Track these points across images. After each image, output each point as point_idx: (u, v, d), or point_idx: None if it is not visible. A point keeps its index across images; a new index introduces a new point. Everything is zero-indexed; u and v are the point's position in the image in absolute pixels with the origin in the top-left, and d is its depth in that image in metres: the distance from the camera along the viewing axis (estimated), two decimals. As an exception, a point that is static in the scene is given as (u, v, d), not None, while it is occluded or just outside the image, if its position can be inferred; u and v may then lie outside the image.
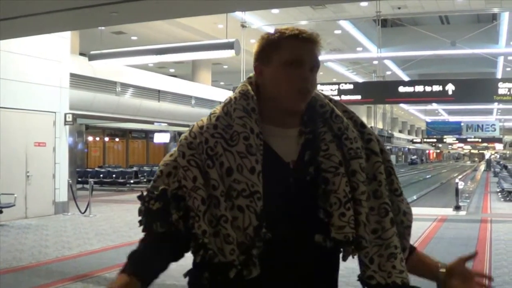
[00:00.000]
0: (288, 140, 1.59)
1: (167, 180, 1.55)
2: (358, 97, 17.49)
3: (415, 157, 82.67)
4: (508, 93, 15.76)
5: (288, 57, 1.55)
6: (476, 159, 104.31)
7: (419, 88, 16.63)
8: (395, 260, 1.52)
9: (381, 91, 17.86)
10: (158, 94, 23.15)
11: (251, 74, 1.67)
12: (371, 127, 50.85)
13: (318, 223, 1.52)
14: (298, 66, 1.55)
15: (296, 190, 1.54)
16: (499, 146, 77.35)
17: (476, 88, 16.82)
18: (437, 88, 16.36)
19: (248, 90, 1.58)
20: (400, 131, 74.30)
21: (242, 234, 1.45)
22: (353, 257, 1.55)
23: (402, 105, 51.29)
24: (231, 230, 1.44)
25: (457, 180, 17.26)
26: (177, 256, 1.59)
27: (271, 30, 1.65)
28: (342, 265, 1.61)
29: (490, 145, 76.63)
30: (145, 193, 1.58)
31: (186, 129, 1.61)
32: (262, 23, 20.72)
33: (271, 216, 1.47)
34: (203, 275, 1.49)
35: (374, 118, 53.18)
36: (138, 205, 1.60)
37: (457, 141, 62.70)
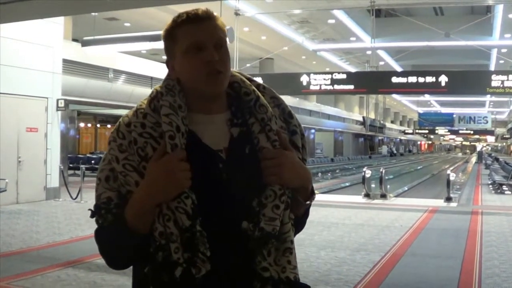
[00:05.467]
0: (215, 127, 1.55)
1: (107, 185, 1.49)
2: (351, 87, 17.52)
3: (394, 147, 76.65)
4: (501, 85, 15.80)
5: (186, 45, 1.51)
6: (468, 151, 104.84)
7: (412, 79, 16.65)
8: (291, 255, 1.50)
9: (374, 81, 17.87)
10: (150, 81, 23.09)
11: None
12: (363, 117, 51.11)
13: (247, 212, 1.47)
14: (199, 49, 1.50)
15: (227, 177, 1.51)
16: (490, 139, 77.74)
17: (469, 80, 16.87)
18: (430, 79, 16.38)
19: (175, 85, 1.53)
20: (392, 122, 74.49)
21: (183, 233, 1.41)
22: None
23: (394, 95, 51.39)
24: (174, 228, 1.41)
25: (448, 172, 17.32)
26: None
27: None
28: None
29: (482, 137, 76.98)
30: (93, 209, 1.51)
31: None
32: (255, 11, 20.66)
33: (204, 208, 1.44)
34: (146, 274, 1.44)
35: (367, 108, 53.32)
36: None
37: (449, 133, 63.06)
